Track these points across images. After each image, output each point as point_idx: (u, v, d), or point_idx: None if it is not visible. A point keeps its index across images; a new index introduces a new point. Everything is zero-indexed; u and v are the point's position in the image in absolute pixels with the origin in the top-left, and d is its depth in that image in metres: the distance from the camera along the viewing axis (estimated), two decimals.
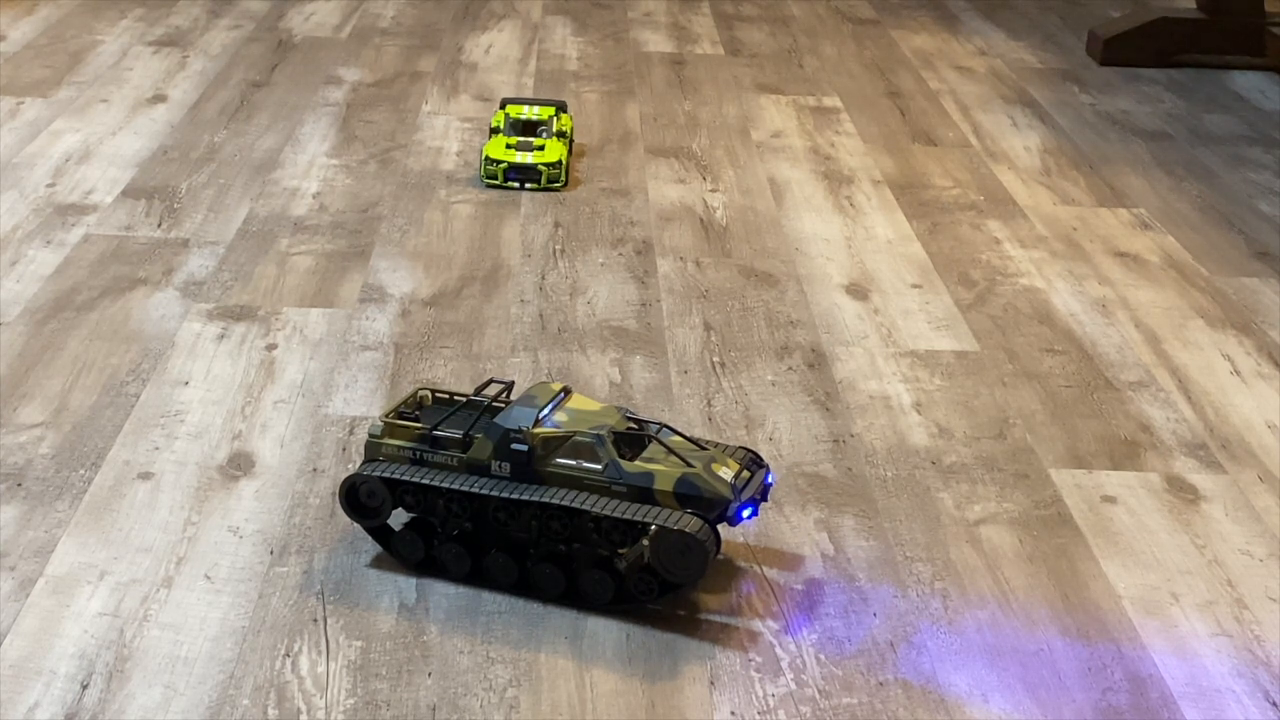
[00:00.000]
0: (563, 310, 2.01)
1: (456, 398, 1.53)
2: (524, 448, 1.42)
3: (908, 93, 3.03)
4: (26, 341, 1.87)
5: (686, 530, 1.36)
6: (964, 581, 1.48)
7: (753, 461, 1.47)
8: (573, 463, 1.42)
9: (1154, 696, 1.34)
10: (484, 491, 1.41)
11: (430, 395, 1.53)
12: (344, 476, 1.52)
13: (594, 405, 1.47)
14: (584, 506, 1.39)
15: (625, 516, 1.38)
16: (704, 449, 1.45)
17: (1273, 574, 1.51)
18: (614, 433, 1.43)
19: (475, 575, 1.44)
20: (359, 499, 1.47)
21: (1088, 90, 3.10)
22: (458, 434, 1.45)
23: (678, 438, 1.47)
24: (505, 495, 1.41)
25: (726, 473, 1.41)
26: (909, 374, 1.88)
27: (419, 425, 1.47)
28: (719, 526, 1.46)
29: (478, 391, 1.51)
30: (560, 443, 1.42)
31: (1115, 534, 1.57)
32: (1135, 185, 2.57)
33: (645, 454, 1.43)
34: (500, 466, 1.43)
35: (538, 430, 1.42)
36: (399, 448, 1.46)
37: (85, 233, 2.20)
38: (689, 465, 1.41)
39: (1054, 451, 1.72)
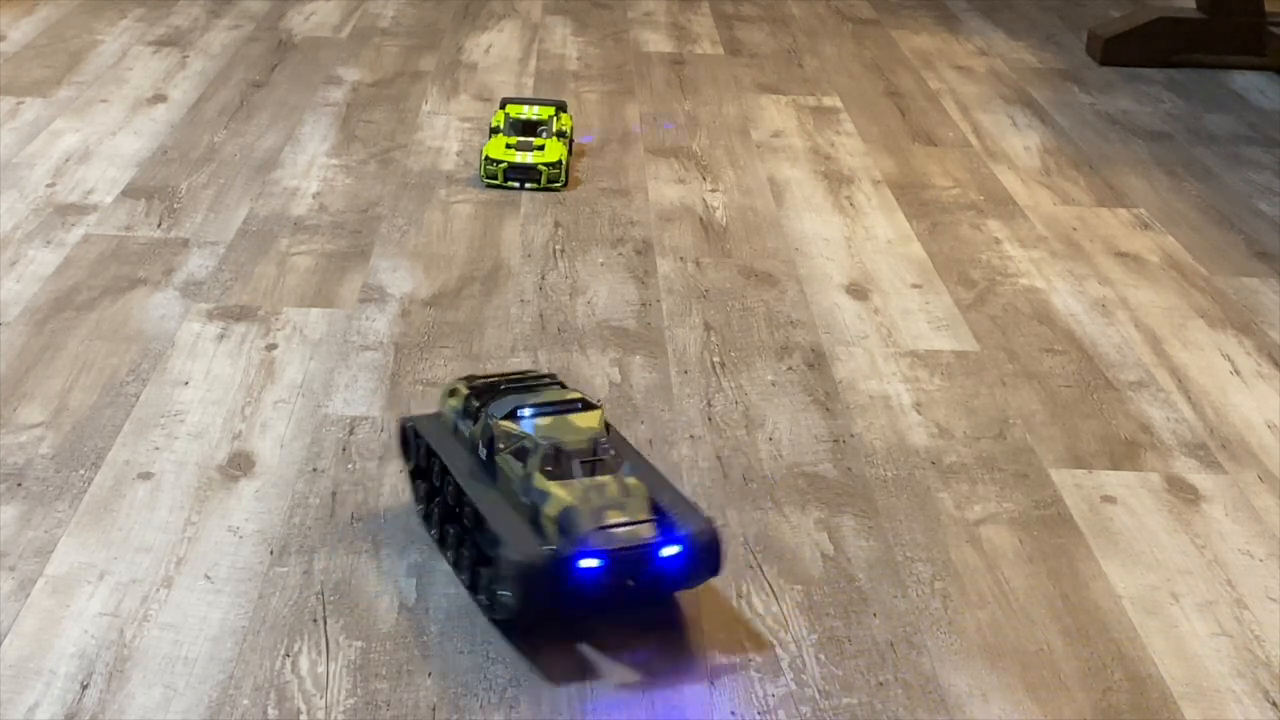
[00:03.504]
0: (563, 310, 2.01)
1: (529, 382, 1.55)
2: (489, 434, 1.44)
3: (908, 93, 3.03)
4: (26, 341, 1.87)
5: (512, 557, 1.30)
6: (964, 581, 1.48)
7: (673, 529, 1.35)
8: (512, 462, 1.40)
9: (1154, 696, 1.34)
10: (436, 466, 1.48)
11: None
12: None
13: (592, 423, 1.43)
14: (473, 502, 1.39)
15: (486, 522, 1.36)
16: (634, 492, 1.37)
17: (1273, 574, 1.51)
18: (560, 448, 1.38)
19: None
20: (406, 437, 1.57)
21: (1088, 90, 3.10)
22: (474, 408, 1.49)
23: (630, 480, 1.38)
24: (438, 472, 1.48)
25: (618, 516, 1.32)
26: (909, 374, 1.88)
27: (468, 393, 1.51)
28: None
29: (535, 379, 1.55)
30: (513, 440, 1.42)
31: (1115, 534, 1.57)
32: (1135, 185, 2.57)
33: (579, 479, 1.36)
34: (481, 450, 1.45)
35: (503, 422, 1.43)
36: (450, 409, 1.53)
37: (85, 233, 2.20)
38: (588, 499, 1.33)
39: (1054, 451, 1.72)
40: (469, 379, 1.55)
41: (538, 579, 1.30)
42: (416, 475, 1.55)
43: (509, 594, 1.32)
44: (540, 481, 1.36)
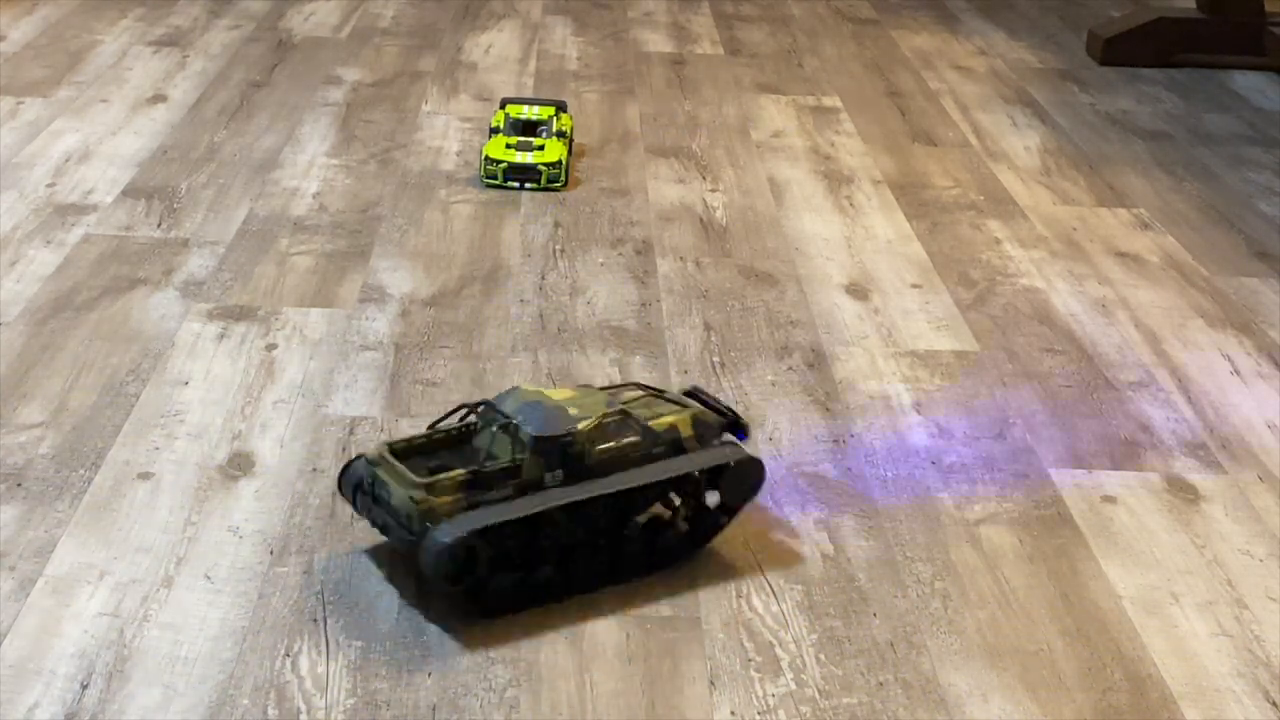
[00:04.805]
0: (563, 310, 2.01)
1: (418, 440, 1.47)
2: (578, 448, 1.42)
3: (908, 93, 3.03)
4: (26, 341, 1.87)
5: (753, 458, 1.49)
6: (964, 581, 1.48)
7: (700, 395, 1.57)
8: (613, 444, 1.44)
9: (1154, 696, 1.34)
10: (592, 495, 1.41)
11: (389, 448, 1.45)
12: (438, 546, 1.35)
13: (567, 392, 1.49)
14: (661, 477, 1.45)
15: (696, 471, 1.46)
16: (662, 393, 1.55)
17: (1273, 574, 1.51)
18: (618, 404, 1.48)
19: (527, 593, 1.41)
20: (456, 552, 1.35)
21: (1088, 90, 3.10)
22: (506, 462, 1.40)
23: (640, 393, 1.55)
24: (613, 490, 1.43)
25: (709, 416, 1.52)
26: (909, 374, 1.88)
27: (462, 472, 1.39)
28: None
29: (436, 424, 1.49)
30: (597, 431, 1.43)
31: (1115, 534, 1.57)
32: (1135, 185, 2.57)
33: (645, 414, 1.49)
34: (554, 476, 1.41)
35: (582, 427, 1.42)
36: (454, 501, 1.39)
37: (85, 233, 2.20)
38: (685, 407, 1.51)
39: (1054, 451, 1.72)
40: (392, 450, 1.44)
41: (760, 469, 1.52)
42: (497, 568, 1.39)
43: (756, 480, 1.50)
44: (654, 425, 1.47)
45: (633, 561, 1.45)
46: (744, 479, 1.49)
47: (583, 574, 1.43)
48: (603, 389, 1.52)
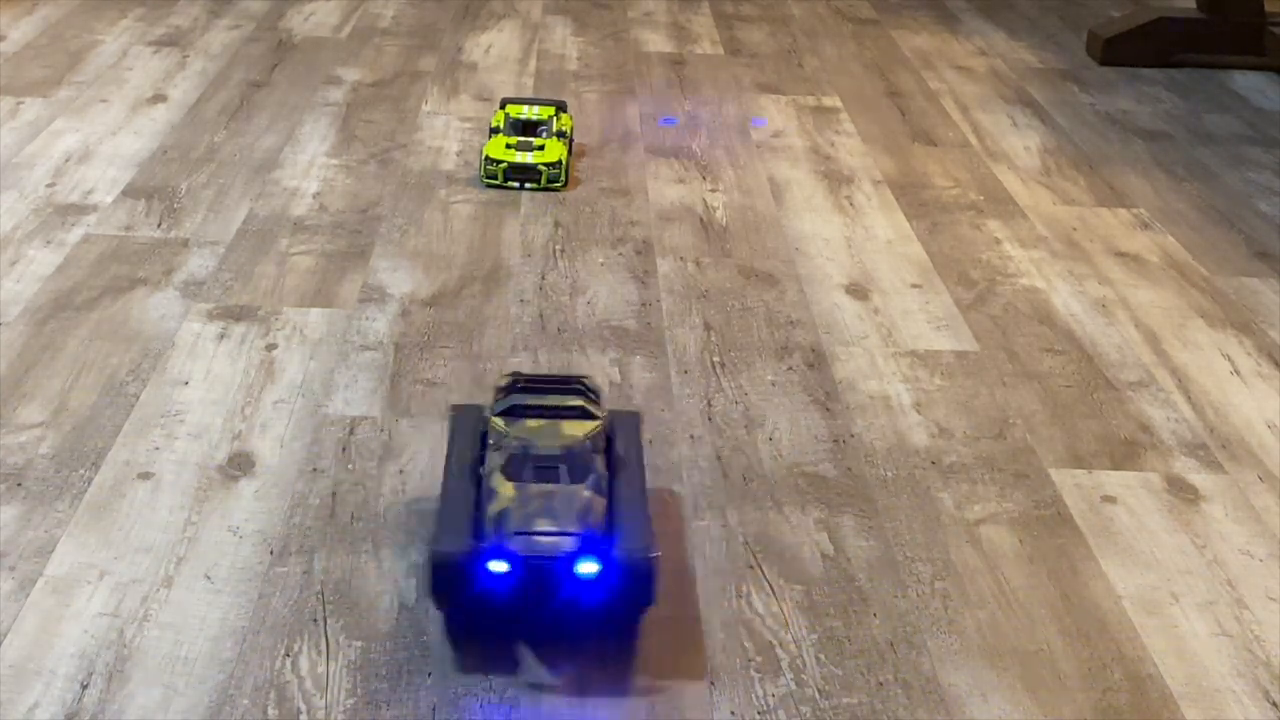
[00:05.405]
0: (563, 310, 2.01)
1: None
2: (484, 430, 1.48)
3: (908, 93, 3.03)
4: (26, 341, 1.87)
5: (431, 547, 1.31)
6: (964, 581, 1.48)
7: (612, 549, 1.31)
8: (493, 459, 1.43)
9: (1154, 696, 1.34)
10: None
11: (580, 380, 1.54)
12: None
13: (577, 433, 1.43)
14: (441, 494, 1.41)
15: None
16: (598, 499, 1.37)
17: (1273, 574, 1.52)
18: (527, 450, 1.39)
19: None
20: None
21: (1088, 90, 3.10)
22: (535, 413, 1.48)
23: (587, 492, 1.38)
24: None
25: (546, 524, 1.32)
26: (909, 374, 1.88)
27: (500, 387, 1.52)
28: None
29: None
30: (497, 438, 1.44)
31: (1115, 534, 1.57)
32: (1135, 185, 2.57)
33: (532, 484, 1.36)
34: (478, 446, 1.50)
35: (495, 419, 1.45)
36: (493, 404, 1.51)
37: (85, 233, 2.20)
38: (526, 504, 1.34)
39: (1054, 451, 1.72)
40: (515, 374, 1.53)
41: (445, 573, 1.31)
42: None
43: (425, 583, 1.36)
44: (497, 480, 1.38)
45: None
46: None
47: None
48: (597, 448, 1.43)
